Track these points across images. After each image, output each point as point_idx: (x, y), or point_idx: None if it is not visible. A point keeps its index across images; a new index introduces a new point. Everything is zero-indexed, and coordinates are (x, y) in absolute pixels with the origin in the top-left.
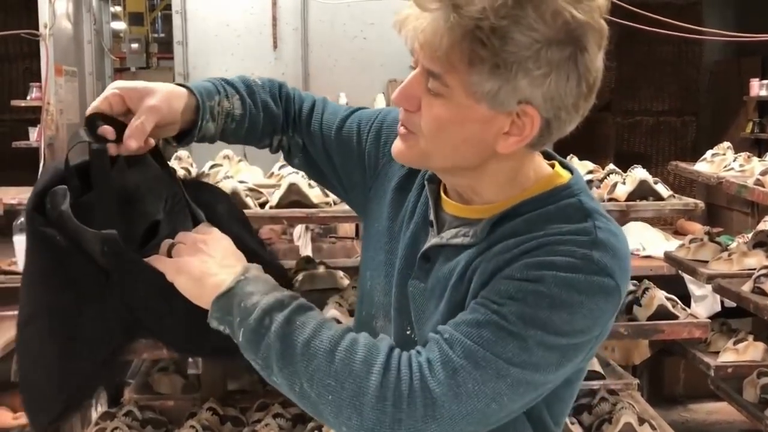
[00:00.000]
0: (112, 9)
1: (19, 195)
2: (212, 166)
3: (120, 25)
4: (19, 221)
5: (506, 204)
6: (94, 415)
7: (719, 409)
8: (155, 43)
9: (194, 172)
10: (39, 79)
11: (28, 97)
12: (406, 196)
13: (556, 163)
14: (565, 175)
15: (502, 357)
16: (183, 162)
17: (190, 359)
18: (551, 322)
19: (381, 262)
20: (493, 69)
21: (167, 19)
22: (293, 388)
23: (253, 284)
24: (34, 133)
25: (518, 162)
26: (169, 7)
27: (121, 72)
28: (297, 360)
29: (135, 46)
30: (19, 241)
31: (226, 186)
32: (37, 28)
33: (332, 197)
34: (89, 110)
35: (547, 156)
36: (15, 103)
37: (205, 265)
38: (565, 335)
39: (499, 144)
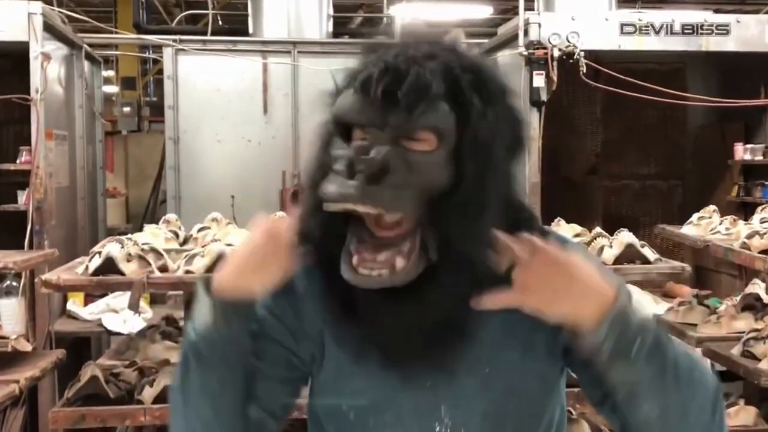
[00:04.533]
0: (104, 73)
1: (4, 259)
2: (200, 229)
3: (112, 89)
4: (5, 284)
5: None
6: None
7: None
8: (147, 107)
9: (182, 235)
10: (29, 143)
11: (18, 161)
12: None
13: None
14: None
15: None
16: (171, 225)
17: None
18: None
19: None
20: None
21: (160, 83)
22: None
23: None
24: (22, 197)
25: None
26: (161, 71)
27: (112, 135)
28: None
29: (127, 109)
30: (5, 304)
31: (214, 249)
32: (29, 92)
33: None
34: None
35: None
36: (4, 166)
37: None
38: None
39: None
